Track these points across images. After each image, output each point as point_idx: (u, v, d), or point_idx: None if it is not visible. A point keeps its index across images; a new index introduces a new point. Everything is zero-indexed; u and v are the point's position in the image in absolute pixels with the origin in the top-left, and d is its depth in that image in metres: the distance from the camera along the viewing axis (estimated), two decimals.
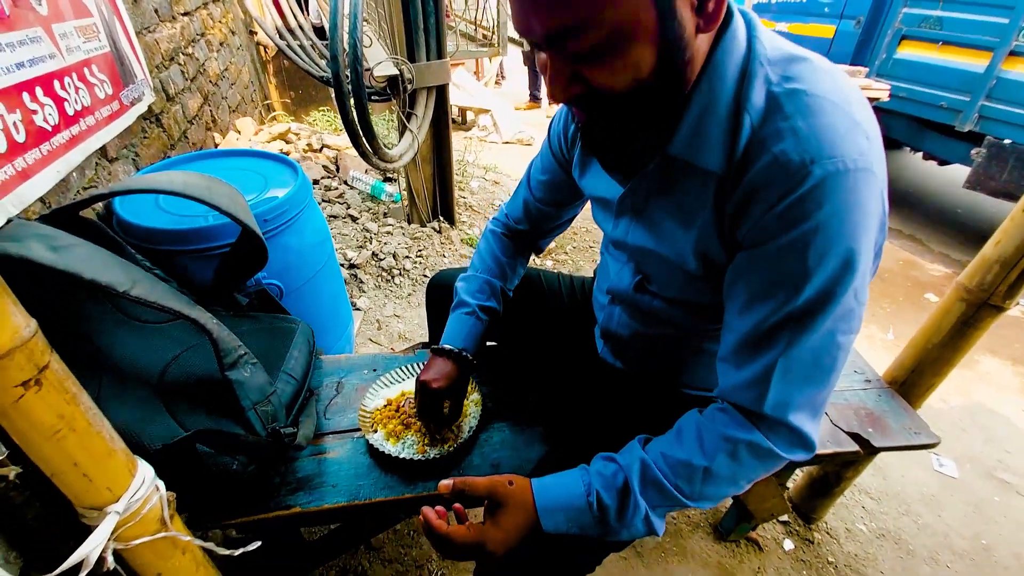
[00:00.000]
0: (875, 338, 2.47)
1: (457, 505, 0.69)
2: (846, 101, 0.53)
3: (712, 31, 0.51)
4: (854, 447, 1.05)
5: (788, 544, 1.44)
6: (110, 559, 0.60)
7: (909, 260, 3.20)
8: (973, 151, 2.90)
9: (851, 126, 0.52)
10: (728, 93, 0.55)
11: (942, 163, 3.60)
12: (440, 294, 1.12)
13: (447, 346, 0.92)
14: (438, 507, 0.68)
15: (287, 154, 2.76)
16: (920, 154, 3.74)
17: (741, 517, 1.33)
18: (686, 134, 0.58)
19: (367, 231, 2.36)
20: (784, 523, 1.50)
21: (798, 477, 1.56)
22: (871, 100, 2.93)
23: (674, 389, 0.89)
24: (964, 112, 2.93)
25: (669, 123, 0.59)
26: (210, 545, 0.74)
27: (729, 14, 0.55)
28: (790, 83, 0.53)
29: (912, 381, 1.18)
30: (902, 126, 3.58)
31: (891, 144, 4.15)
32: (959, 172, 3.25)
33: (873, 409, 1.15)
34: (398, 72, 1.79)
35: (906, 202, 3.99)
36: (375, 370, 1.17)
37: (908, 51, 3.30)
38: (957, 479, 1.71)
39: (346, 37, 1.43)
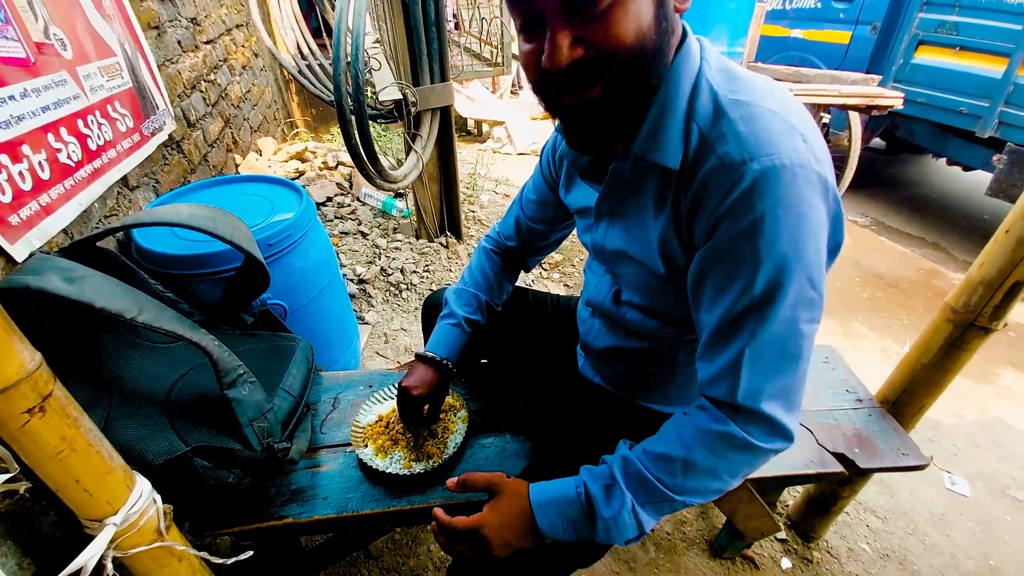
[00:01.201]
0: (890, 351, 2.42)
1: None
2: (785, 110, 0.59)
3: (684, 9, 0.59)
4: (839, 468, 1.05)
5: (786, 563, 1.43)
6: (110, 567, 0.67)
7: (931, 269, 3.12)
8: (994, 157, 2.83)
9: (787, 130, 0.57)
10: (683, 101, 0.62)
11: (966, 168, 3.50)
12: (435, 313, 1.17)
13: (429, 353, 0.98)
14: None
15: (302, 173, 2.87)
16: (944, 160, 3.65)
17: (734, 534, 1.34)
18: (646, 133, 0.64)
19: (376, 247, 2.44)
20: (782, 541, 1.49)
21: (798, 495, 1.55)
22: (884, 108, 2.88)
23: (648, 407, 0.92)
24: (984, 118, 2.86)
25: (634, 124, 0.65)
26: (204, 554, 0.79)
27: (684, 36, 0.63)
28: (735, 95, 0.60)
29: (903, 401, 1.17)
30: (923, 132, 3.51)
31: (913, 149, 4.07)
32: (984, 177, 3.17)
33: (862, 429, 1.14)
34: (402, 96, 1.86)
35: (929, 209, 3.89)
36: (371, 386, 1.22)
37: (926, 56, 3.24)
38: (968, 497, 1.67)
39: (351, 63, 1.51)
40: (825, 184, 0.58)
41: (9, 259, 0.89)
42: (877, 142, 4.22)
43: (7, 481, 0.63)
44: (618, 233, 0.77)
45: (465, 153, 4.42)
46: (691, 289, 0.67)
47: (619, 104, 0.62)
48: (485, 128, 5.21)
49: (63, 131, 1.08)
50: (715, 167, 0.58)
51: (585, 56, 0.56)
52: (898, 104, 2.87)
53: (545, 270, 2.68)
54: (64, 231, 1.05)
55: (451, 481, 0.77)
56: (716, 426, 0.65)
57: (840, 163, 3.48)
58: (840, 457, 1.07)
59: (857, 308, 2.72)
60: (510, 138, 4.86)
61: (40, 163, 0.99)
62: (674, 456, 0.66)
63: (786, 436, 0.65)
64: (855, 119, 3.33)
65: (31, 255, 0.92)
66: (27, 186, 0.95)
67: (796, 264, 0.58)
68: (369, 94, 2.16)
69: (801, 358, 0.62)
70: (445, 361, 0.98)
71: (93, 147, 1.19)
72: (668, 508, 0.69)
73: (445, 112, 2.12)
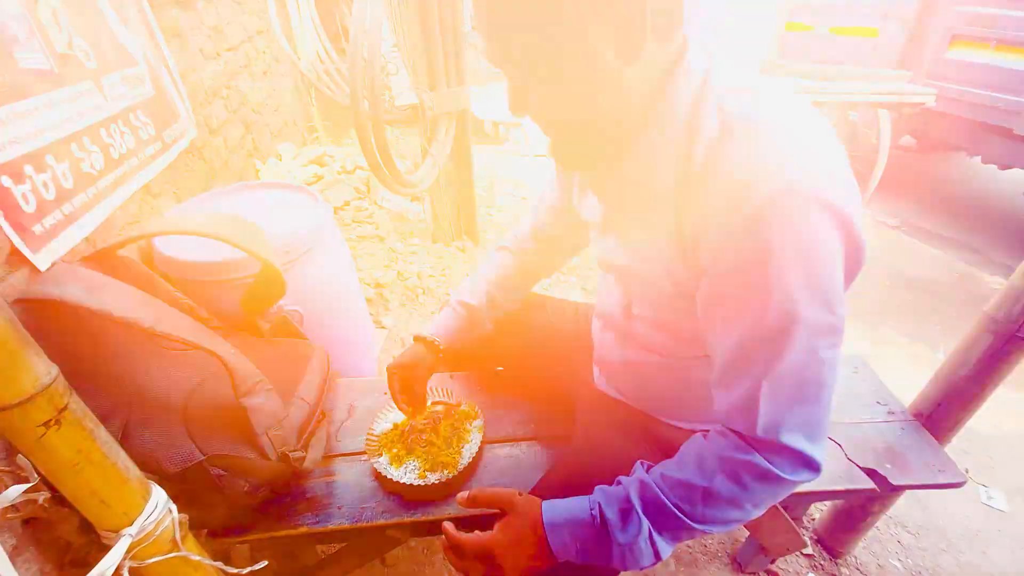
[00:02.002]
0: (921, 358, 2.33)
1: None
2: (799, 127, 0.55)
3: (633, 64, 0.56)
4: (869, 484, 1.01)
5: None
6: None
7: (966, 272, 3.00)
8: None
9: (798, 149, 0.53)
10: (681, 119, 0.59)
11: (1003, 167, 3.36)
12: None
13: (421, 334, 1.06)
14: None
15: (321, 177, 2.89)
16: (978, 158, 3.51)
17: (758, 549, 1.29)
18: (640, 155, 0.63)
19: (393, 251, 2.45)
20: (808, 556, 1.44)
21: (825, 508, 1.50)
22: (916, 105, 2.78)
23: (665, 421, 0.89)
24: (1022, 114, 2.73)
25: (626, 145, 0.63)
26: (219, 564, 0.79)
27: (684, 49, 0.59)
28: (744, 111, 0.56)
29: (938, 415, 1.12)
30: (957, 129, 3.37)
31: (945, 148, 3.93)
32: (1022, 176, 3.04)
33: (894, 444, 1.09)
34: (419, 100, 1.86)
35: (962, 209, 3.74)
36: (386, 393, 1.21)
37: (960, 51, 3.12)
38: (1006, 513, 1.60)
39: (369, 71, 1.51)
40: (840, 207, 0.53)
41: (33, 268, 0.90)
42: (908, 140, 4.08)
43: (27, 491, 0.64)
44: (624, 249, 0.75)
45: (482, 155, 4.41)
46: (701, 313, 0.64)
47: (579, 144, 0.65)
48: (502, 130, 5.19)
49: (86, 140, 1.10)
50: (720, 189, 0.55)
51: (532, 115, 0.63)
52: (930, 101, 2.76)
53: (563, 273, 2.65)
54: (87, 239, 1.07)
55: (461, 496, 0.75)
56: (738, 455, 0.62)
57: (869, 162, 3.37)
58: (871, 473, 1.02)
59: (887, 313, 2.63)
60: (527, 140, 4.85)
61: (63, 172, 1.00)
62: (694, 483, 0.63)
63: (813, 467, 0.62)
64: (884, 117, 3.22)
65: (54, 264, 0.93)
66: (50, 196, 0.96)
67: (809, 293, 0.54)
68: (386, 98, 2.17)
69: (823, 386, 0.58)
70: (431, 339, 1.04)
71: (115, 156, 1.21)
72: (687, 535, 0.66)
73: (462, 115, 2.12)
